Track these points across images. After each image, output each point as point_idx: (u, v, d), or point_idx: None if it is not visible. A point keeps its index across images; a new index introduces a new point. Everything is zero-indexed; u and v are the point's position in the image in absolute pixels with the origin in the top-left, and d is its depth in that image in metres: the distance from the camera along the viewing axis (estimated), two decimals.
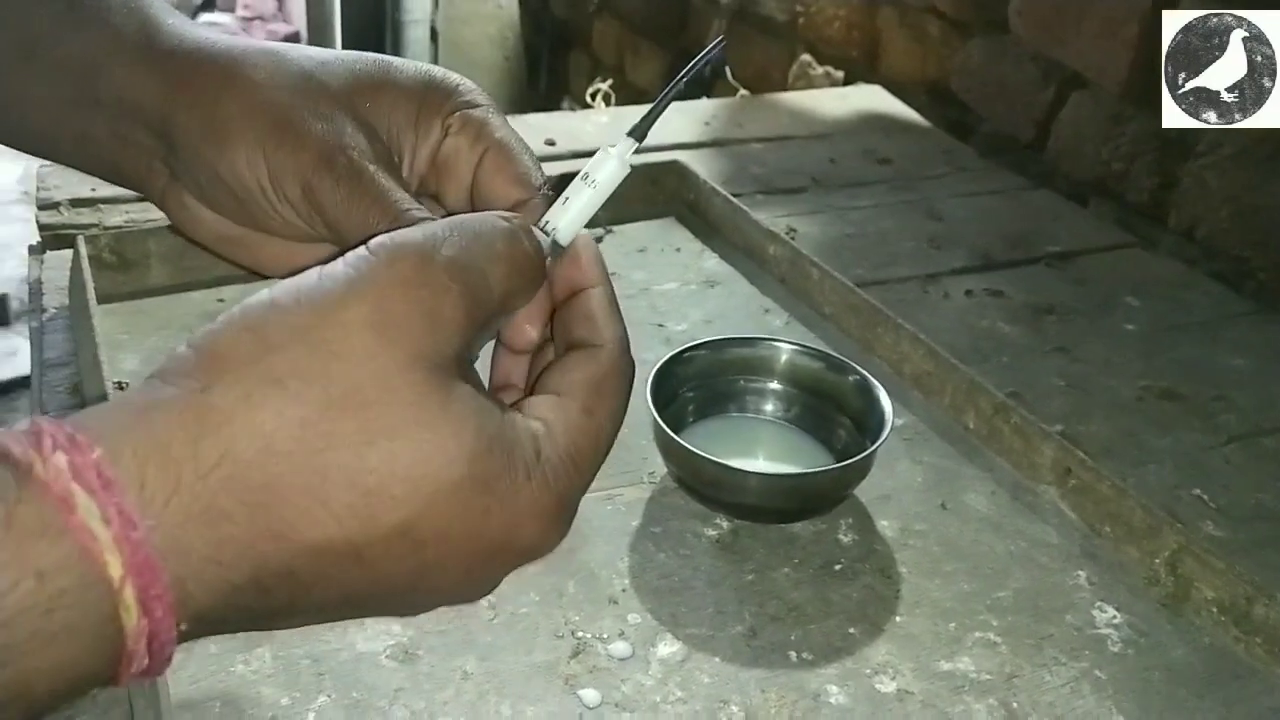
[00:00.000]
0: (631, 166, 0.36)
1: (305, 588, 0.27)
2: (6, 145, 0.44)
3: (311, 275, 0.28)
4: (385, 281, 0.27)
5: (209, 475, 0.25)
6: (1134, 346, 0.76)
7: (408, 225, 0.35)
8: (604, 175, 0.35)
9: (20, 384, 1.98)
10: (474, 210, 0.40)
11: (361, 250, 0.28)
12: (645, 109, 0.37)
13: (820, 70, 1.36)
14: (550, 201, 0.40)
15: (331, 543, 0.27)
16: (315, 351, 0.26)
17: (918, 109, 1.14)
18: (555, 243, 0.35)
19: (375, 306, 0.27)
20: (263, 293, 0.28)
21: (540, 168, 0.42)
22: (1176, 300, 0.82)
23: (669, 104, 0.36)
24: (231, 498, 0.25)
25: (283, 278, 0.29)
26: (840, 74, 1.33)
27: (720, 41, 0.39)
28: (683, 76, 0.36)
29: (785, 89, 1.38)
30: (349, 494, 0.26)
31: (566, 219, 0.35)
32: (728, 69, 1.47)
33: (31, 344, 0.66)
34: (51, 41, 0.40)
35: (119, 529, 0.23)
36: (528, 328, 0.35)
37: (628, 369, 0.34)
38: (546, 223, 0.35)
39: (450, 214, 0.40)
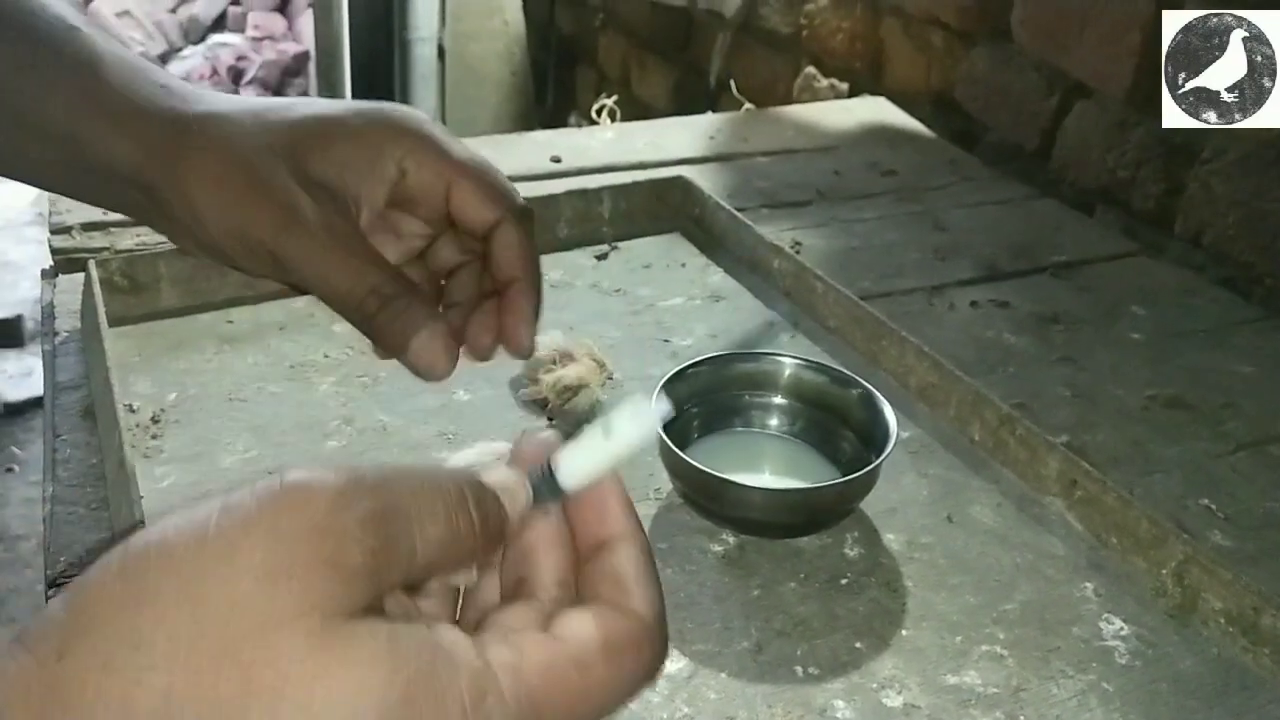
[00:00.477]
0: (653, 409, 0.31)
1: None
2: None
3: (212, 509, 0.24)
4: (289, 525, 0.24)
5: None
6: (1140, 355, 0.76)
7: (368, 288, 0.38)
8: (622, 434, 0.29)
9: (35, 404, 2.00)
10: (452, 228, 0.42)
11: (273, 484, 0.24)
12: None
13: (825, 82, 1.36)
14: (525, 215, 0.42)
15: None
16: (191, 604, 0.23)
17: (922, 119, 1.14)
18: (556, 485, 0.29)
19: (269, 553, 0.23)
20: (156, 526, 0.24)
21: (508, 182, 0.43)
22: (1183, 308, 0.82)
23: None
24: None
25: None
26: (845, 86, 1.33)
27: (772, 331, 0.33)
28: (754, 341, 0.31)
29: (790, 102, 1.39)
30: None
31: (573, 462, 0.29)
32: (732, 82, 1.47)
33: (44, 367, 0.67)
34: (36, 110, 0.41)
35: None
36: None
37: (658, 644, 0.28)
38: (551, 463, 0.29)
39: (429, 234, 0.43)
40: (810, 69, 1.39)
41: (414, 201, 0.42)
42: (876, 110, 1.17)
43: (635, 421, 0.30)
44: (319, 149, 0.41)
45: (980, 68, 1.13)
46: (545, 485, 0.29)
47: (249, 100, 0.43)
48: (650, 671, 0.28)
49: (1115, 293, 0.83)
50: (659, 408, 0.30)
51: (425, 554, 0.26)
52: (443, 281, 0.46)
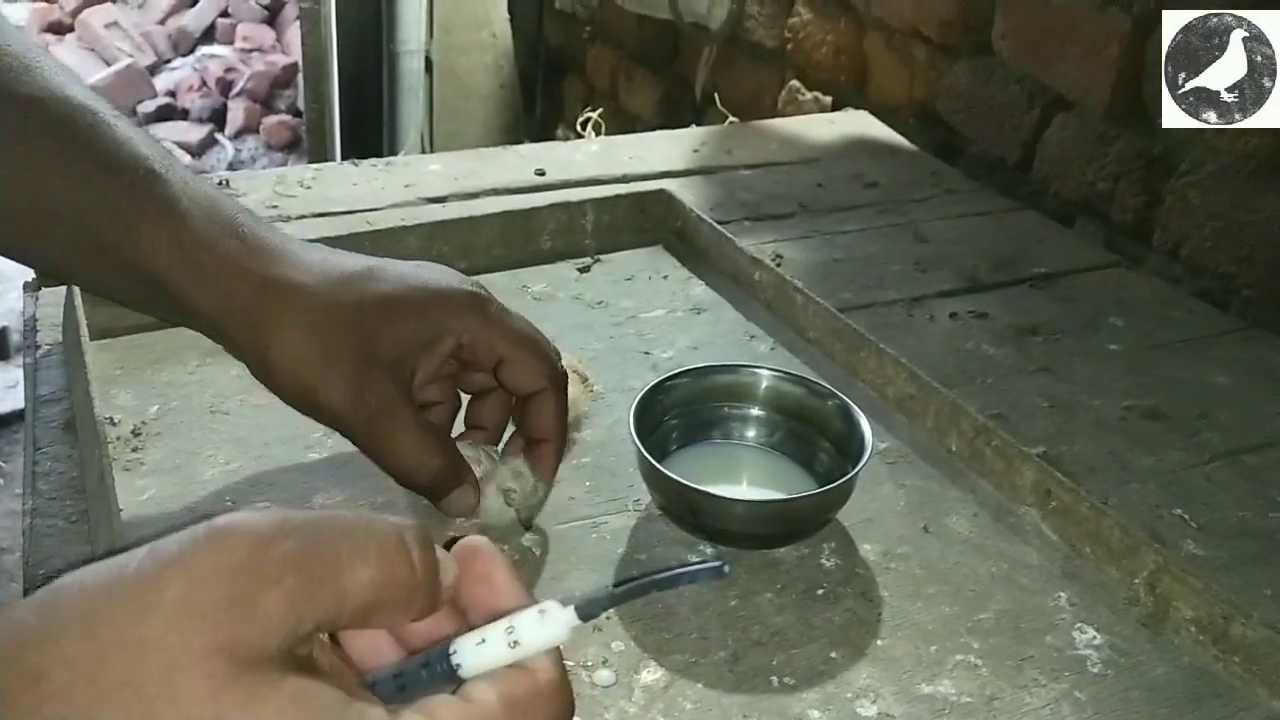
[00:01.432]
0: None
1: None
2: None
3: (139, 552, 0.24)
4: (204, 565, 0.24)
5: None
6: (1118, 366, 0.76)
7: (426, 472, 0.47)
8: (529, 641, 0.29)
9: (19, 417, 2.00)
10: (501, 390, 0.52)
11: (199, 528, 0.25)
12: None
13: (809, 95, 1.37)
14: (562, 383, 0.52)
15: None
16: (96, 638, 0.23)
17: (905, 132, 1.15)
18: (453, 671, 0.29)
19: (184, 591, 0.23)
20: (87, 568, 0.24)
21: (553, 353, 0.52)
22: (1161, 319, 0.83)
23: (634, 597, 0.31)
24: None
25: None
26: (829, 99, 1.34)
27: (720, 567, 0.31)
28: (660, 579, 0.31)
29: (775, 114, 1.40)
30: None
31: (475, 661, 0.29)
32: (716, 95, 1.48)
33: (26, 380, 0.67)
34: (118, 248, 0.45)
35: None
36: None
37: (564, 696, 0.29)
38: (454, 650, 0.29)
39: (474, 394, 0.53)
40: (795, 82, 1.40)
41: (467, 364, 0.50)
42: (859, 123, 1.18)
43: (543, 631, 0.29)
44: (387, 326, 0.47)
45: (962, 81, 1.14)
46: (440, 666, 0.29)
47: (325, 265, 0.48)
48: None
49: (1094, 304, 0.84)
50: (567, 616, 0.29)
51: (355, 597, 0.25)
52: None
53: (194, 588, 0.23)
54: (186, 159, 3.07)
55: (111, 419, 0.63)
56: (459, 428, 0.55)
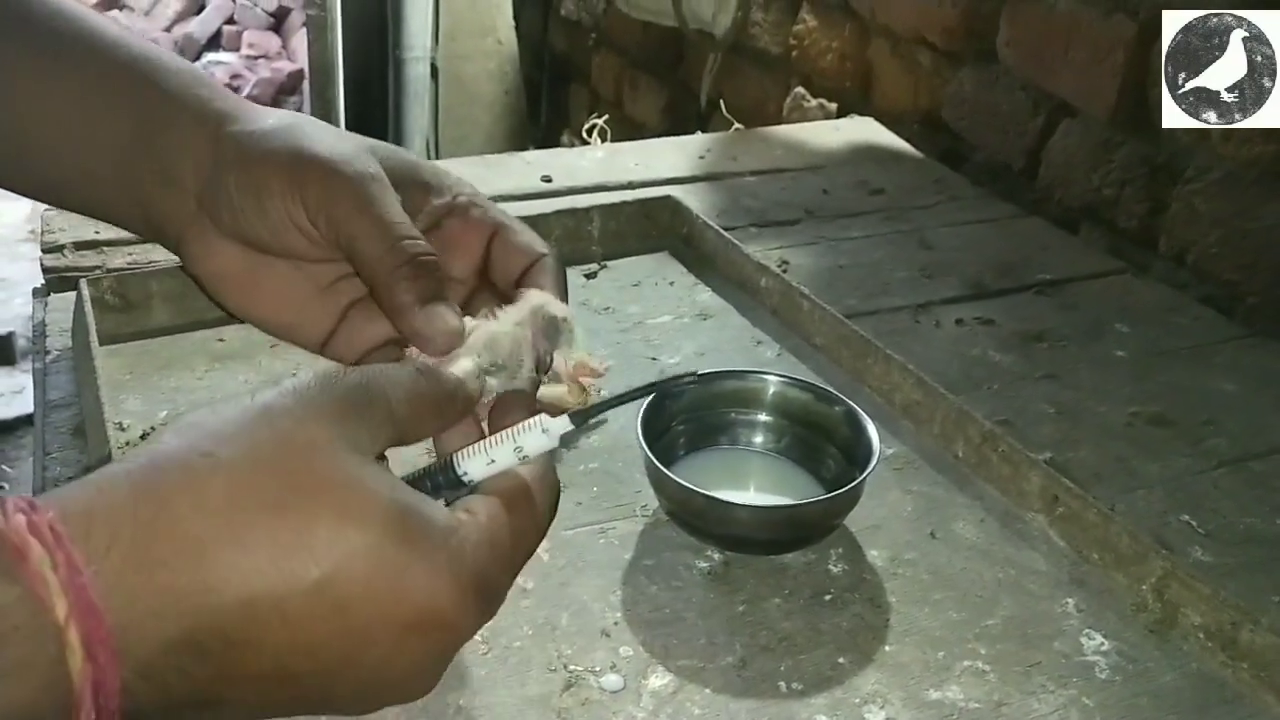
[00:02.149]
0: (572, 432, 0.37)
1: (238, 649, 0.29)
2: (38, 198, 0.49)
3: (245, 398, 0.32)
4: (306, 388, 0.32)
5: (145, 528, 0.28)
6: (1124, 372, 0.76)
7: (399, 237, 0.40)
8: (532, 448, 0.36)
9: (26, 421, 2.00)
10: (486, 278, 0.46)
11: (289, 378, 0.33)
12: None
13: (814, 102, 1.38)
14: (557, 258, 0.45)
15: (255, 597, 0.29)
16: (243, 433, 0.30)
17: (910, 139, 1.15)
18: (464, 483, 0.36)
19: (298, 402, 0.32)
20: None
21: (541, 240, 0.46)
22: (1167, 325, 0.83)
23: (622, 404, 0.39)
24: (165, 548, 0.28)
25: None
26: (834, 106, 1.34)
27: (693, 375, 0.40)
28: (647, 389, 0.40)
29: (780, 121, 1.40)
30: (270, 549, 0.29)
31: (481, 469, 0.36)
32: (721, 102, 1.49)
33: (35, 385, 0.68)
34: (119, 90, 0.44)
35: (66, 574, 0.26)
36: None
37: (553, 482, 0.37)
38: (464, 473, 0.36)
39: (454, 286, 0.46)
40: (800, 89, 1.40)
41: (449, 251, 0.45)
42: (865, 130, 1.18)
43: (540, 440, 0.36)
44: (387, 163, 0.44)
45: (967, 88, 1.14)
46: (445, 479, 0.36)
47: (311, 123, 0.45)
48: (554, 500, 0.37)
49: (1099, 311, 0.84)
50: (561, 423, 0.36)
51: (399, 407, 0.34)
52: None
53: (306, 400, 0.32)
54: None
55: (121, 424, 0.63)
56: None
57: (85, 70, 0.45)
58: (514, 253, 0.45)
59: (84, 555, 0.27)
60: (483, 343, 0.40)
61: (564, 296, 0.45)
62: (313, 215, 0.41)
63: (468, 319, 0.41)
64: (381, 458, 0.34)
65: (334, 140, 0.43)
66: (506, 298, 0.45)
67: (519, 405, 0.39)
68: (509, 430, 0.36)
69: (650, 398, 0.59)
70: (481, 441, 0.36)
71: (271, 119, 0.44)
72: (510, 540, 0.34)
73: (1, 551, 0.26)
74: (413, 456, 0.39)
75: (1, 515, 0.27)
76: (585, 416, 0.37)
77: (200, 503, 0.29)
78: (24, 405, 2.05)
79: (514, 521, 0.34)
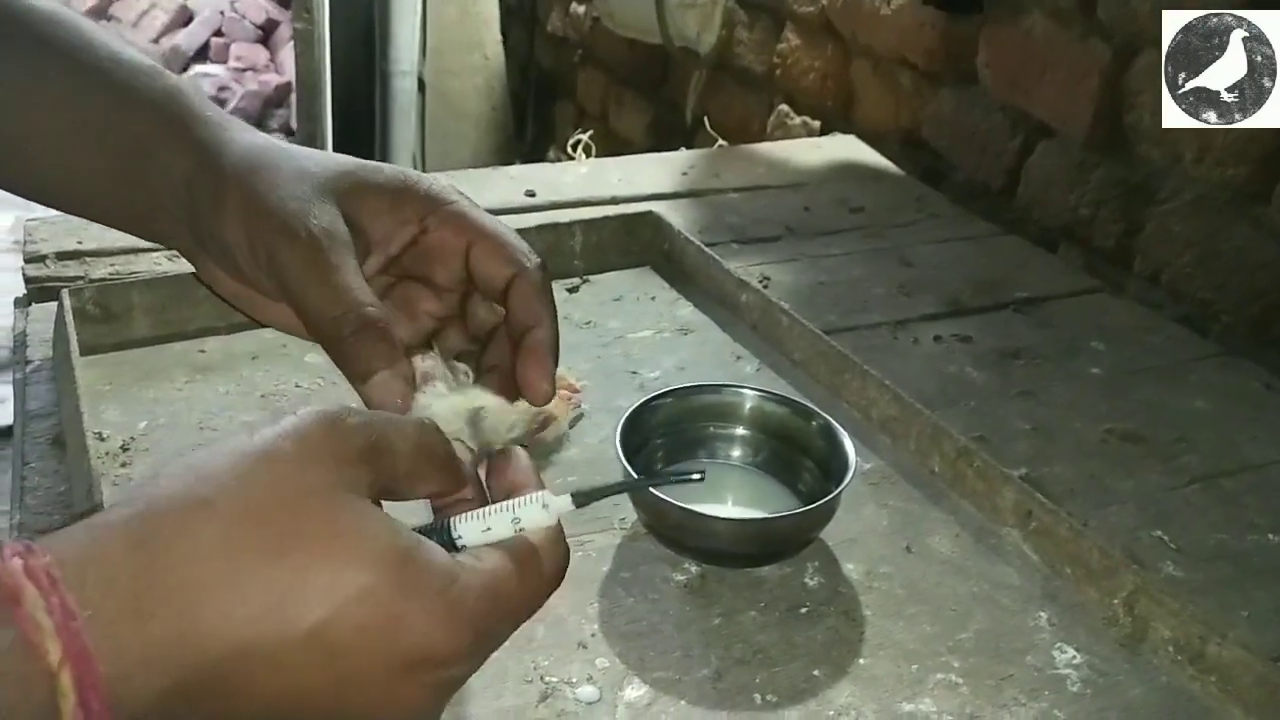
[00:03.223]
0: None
1: (229, 699, 0.29)
2: (38, 202, 0.49)
3: (246, 431, 0.32)
4: (307, 430, 0.32)
5: (140, 576, 0.28)
6: (1099, 390, 0.77)
7: (348, 308, 0.39)
8: (530, 523, 0.35)
9: (6, 433, 1.99)
10: (472, 290, 0.45)
11: (290, 416, 0.32)
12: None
13: (798, 120, 1.39)
14: (540, 269, 0.43)
15: (248, 646, 0.29)
16: (240, 478, 0.30)
17: (891, 157, 1.16)
18: (458, 547, 0.35)
19: (298, 445, 0.31)
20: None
21: (526, 246, 0.44)
22: (1141, 344, 0.84)
23: (623, 491, 0.40)
24: (159, 597, 0.28)
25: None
26: (817, 123, 1.36)
27: (701, 474, 0.39)
28: (649, 482, 0.42)
29: (764, 138, 1.41)
30: (264, 596, 0.29)
31: (476, 535, 0.35)
32: (705, 119, 1.50)
33: (15, 395, 0.68)
34: (102, 124, 0.44)
35: (60, 619, 0.26)
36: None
37: (564, 548, 0.37)
38: (459, 537, 0.35)
39: (443, 295, 0.45)
40: (783, 106, 1.41)
41: (434, 259, 0.44)
42: (846, 148, 1.19)
43: (540, 516, 0.35)
44: (351, 191, 0.43)
45: (947, 108, 1.16)
46: (439, 540, 0.34)
47: (294, 147, 0.45)
48: (563, 568, 0.36)
49: (1075, 329, 0.85)
50: (563, 501, 0.36)
51: (404, 459, 0.34)
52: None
53: (306, 444, 0.31)
54: None
55: (100, 434, 0.63)
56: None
57: (75, 91, 0.45)
58: (496, 263, 0.44)
59: (78, 601, 0.27)
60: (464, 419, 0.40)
61: (550, 312, 0.44)
62: (266, 273, 0.41)
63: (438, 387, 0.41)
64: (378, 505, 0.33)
65: (294, 183, 0.42)
66: (493, 307, 0.44)
67: (515, 465, 0.38)
68: (511, 501, 0.36)
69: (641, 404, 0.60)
70: (481, 509, 0.36)
71: (240, 151, 0.43)
72: (514, 594, 0.34)
73: None
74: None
75: None
76: (589, 499, 0.37)
77: (194, 550, 0.29)
78: (3, 416, 2.03)
79: (520, 576, 0.34)
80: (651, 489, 0.56)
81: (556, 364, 0.44)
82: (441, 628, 0.31)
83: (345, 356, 0.40)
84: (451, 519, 0.35)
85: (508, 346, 0.45)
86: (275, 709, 0.30)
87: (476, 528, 0.35)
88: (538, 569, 0.35)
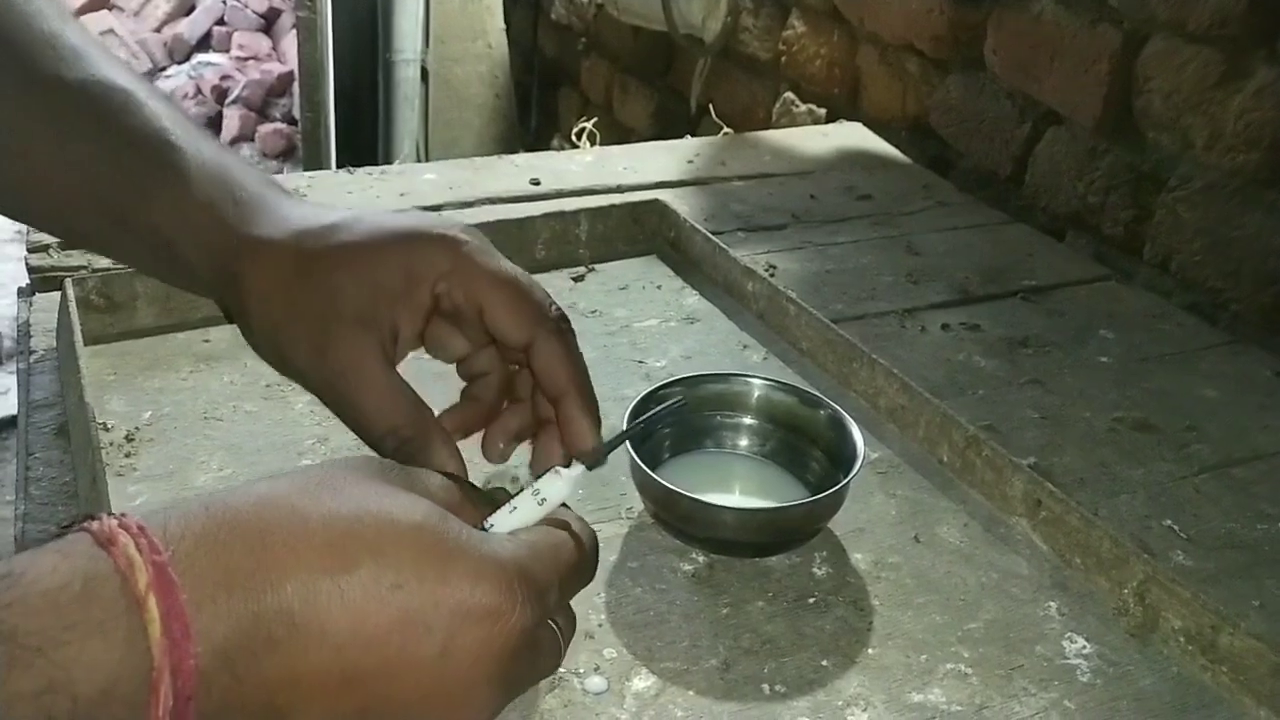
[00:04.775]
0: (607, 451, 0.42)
1: (303, 637, 0.31)
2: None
3: (299, 475, 0.36)
4: (349, 458, 0.37)
5: (214, 520, 0.32)
6: (1108, 378, 0.77)
7: (381, 429, 0.43)
8: (552, 493, 0.39)
9: (10, 423, 1.99)
10: (495, 343, 0.46)
11: (334, 462, 0.37)
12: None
13: (803, 108, 1.38)
14: (560, 326, 0.44)
15: (315, 579, 0.31)
16: (302, 470, 0.35)
17: (898, 145, 1.16)
18: (486, 530, 0.38)
19: (340, 460, 0.37)
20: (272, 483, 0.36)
21: (542, 295, 0.44)
22: (1151, 332, 0.84)
23: (626, 439, 0.43)
24: (231, 534, 0.31)
25: None
26: (823, 111, 1.35)
27: (681, 401, 0.46)
28: (642, 421, 0.45)
29: (769, 126, 1.41)
30: (327, 533, 0.32)
31: (507, 524, 0.38)
32: (710, 107, 1.49)
33: (19, 385, 0.67)
34: (135, 216, 0.46)
35: (148, 554, 0.30)
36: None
37: (591, 531, 0.40)
38: (490, 524, 0.38)
39: (472, 346, 0.46)
40: (789, 94, 1.41)
41: (454, 319, 0.45)
42: (853, 136, 1.18)
43: (559, 485, 0.39)
44: (351, 281, 0.43)
45: (954, 95, 1.15)
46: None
47: (303, 219, 0.45)
48: (594, 558, 0.40)
49: (1084, 317, 0.85)
50: (578, 471, 0.40)
51: (438, 492, 0.37)
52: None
53: (353, 460, 0.36)
54: None
55: (105, 424, 0.63)
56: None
57: (107, 145, 0.46)
58: (510, 327, 0.44)
59: (162, 542, 0.30)
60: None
61: (575, 373, 0.44)
62: (307, 378, 0.44)
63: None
64: None
65: (309, 318, 0.43)
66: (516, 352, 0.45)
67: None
68: (530, 483, 0.40)
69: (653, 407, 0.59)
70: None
71: (280, 236, 0.44)
72: (553, 547, 0.37)
73: (94, 540, 0.30)
74: None
75: (97, 520, 0.31)
76: (596, 459, 0.41)
77: (263, 505, 0.32)
78: (7, 406, 2.04)
79: (555, 534, 0.38)
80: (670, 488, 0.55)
81: (598, 418, 0.44)
82: (488, 569, 0.34)
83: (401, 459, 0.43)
84: (489, 518, 0.38)
85: (497, 384, 0.47)
86: (346, 659, 0.32)
87: (504, 511, 0.38)
88: (569, 534, 0.38)
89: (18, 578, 0.28)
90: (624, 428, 0.55)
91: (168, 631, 0.29)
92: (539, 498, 0.39)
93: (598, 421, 0.44)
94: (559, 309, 0.44)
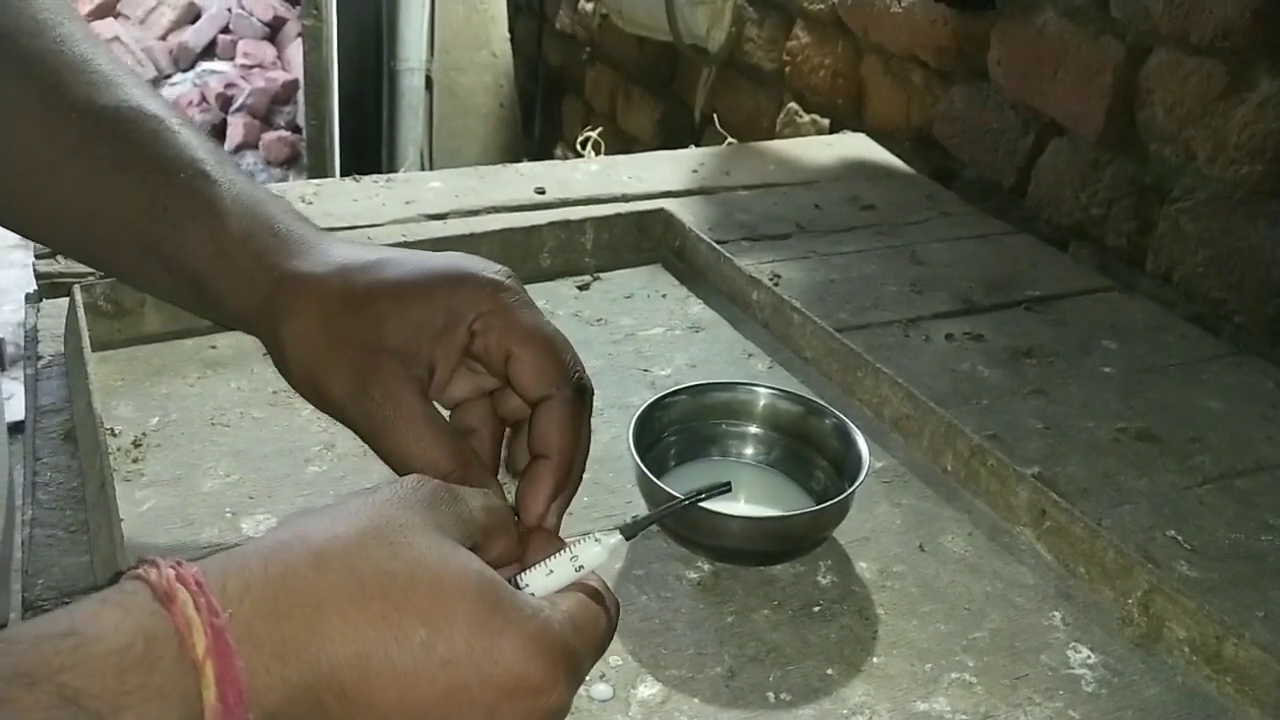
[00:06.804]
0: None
1: (351, 707, 0.32)
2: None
3: (352, 501, 0.36)
4: (399, 485, 0.37)
5: (273, 583, 0.32)
6: (1112, 389, 0.77)
7: (419, 465, 0.42)
8: (589, 560, 0.39)
9: (15, 429, 1.99)
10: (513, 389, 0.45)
11: (376, 489, 0.37)
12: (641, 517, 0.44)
13: (807, 118, 1.39)
14: (580, 394, 0.44)
15: (369, 651, 0.32)
16: (353, 515, 0.35)
17: (902, 155, 1.16)
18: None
19: (394, 493, 0.36)
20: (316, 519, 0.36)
21: (575, 357, 0.45)
22: (1154, 343, 0.84)
23: (664, 516, 0.45)
24: (289, 601, 0.31)
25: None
26: (826, 121, 1.35)
27: (726, 487, 0.44)
28: (684, 501, 0.44)
29: (773, 136, 1.41)
30: (382, 604, 0.32)
31: (542, 586, 0.39)
32: (715, 117, 1.50)
33: (26, 391, 0.68)
34: (166, 247, 0.46)
35: (206, 616, 0.30)
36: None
37: (613, 598, 0.40)
38: (527, 585, 0.39)
39: (496, 385, 0.46)
40: (793, 104, 1.41)
41: (481, 360, 0.45)
42: (857, 146, 1.19)
43: (596, 552, 0.39)
44: (396, 313, 0.44)
45: (958, 106, 1.15)
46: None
47: (345, 255, 0.46)
48: (614, 621, 0.39)
49: (1088, 327, 0.85)
50: (615, 539, 0.40)
51: (478, 514, 0.38)
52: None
53: (406, 492, 0.36)
54: None
55: (113, 430, 0.63)
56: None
57: (139, 174, 0.46)
58: (530, 383, 0.44)
59: (220, 603, 0.30)
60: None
61: (568, 443, 0.44)
62: (345, 410, 0.44)
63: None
64: None
65: (366, 343, 0.43)
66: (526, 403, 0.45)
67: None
68: (568, 545, 0.40)
69: (653, 400, 0.60)
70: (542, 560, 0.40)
71: (324, 271, 0.44)
72: (593, 624, 0.37)
73: (155, 596, 0.30)
74: None
75: (155, 569, 0.31)
76: (635, 529, 0.41)
77: (319, 565, 0.32)
78: (13, 412, 2.04)
79: (594, 609, 0.38)
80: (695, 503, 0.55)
81: (573, 492, 0.45)
82: (535, 650, 0.34)
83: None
84: (522, 575, 0.39)
85: (481, 413, 0.47)
86: None
87: (540, 573, 0.39)
88: (605, 607, 0.38)
89: (81, 636, 0.28)
90: (642, 465, 0.56)
91: (222, 697, 0.29)
92: (576, 564, 0.39)
93: (567, 499, 0.44)
94: (583, 377, 0.45)
